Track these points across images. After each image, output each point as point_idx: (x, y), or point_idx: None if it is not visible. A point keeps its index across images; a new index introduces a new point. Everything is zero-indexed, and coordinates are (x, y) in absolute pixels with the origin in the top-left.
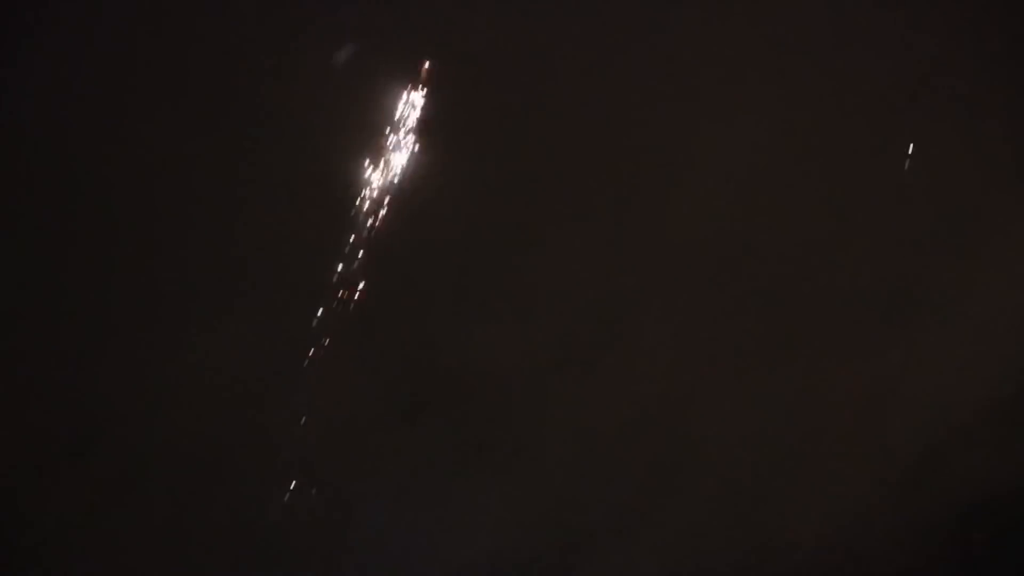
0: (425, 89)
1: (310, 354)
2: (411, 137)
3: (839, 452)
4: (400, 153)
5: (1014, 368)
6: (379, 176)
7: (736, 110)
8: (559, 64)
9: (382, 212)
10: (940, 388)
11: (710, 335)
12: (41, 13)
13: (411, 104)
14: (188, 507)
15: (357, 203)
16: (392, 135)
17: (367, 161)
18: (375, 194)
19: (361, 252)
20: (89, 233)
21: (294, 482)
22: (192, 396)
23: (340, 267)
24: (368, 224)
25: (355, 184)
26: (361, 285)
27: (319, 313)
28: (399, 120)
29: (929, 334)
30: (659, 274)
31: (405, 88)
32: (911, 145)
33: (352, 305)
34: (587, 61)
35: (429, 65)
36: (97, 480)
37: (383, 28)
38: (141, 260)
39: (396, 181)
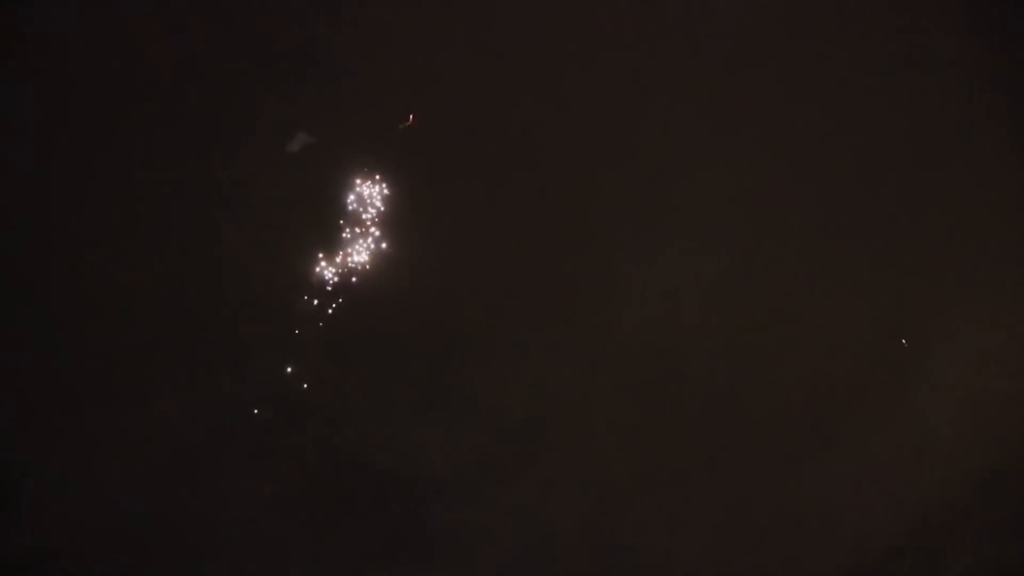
0: (383, 183)
1: (246, 442)
2: (367, 230)
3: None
4: (355, 246)
5: (935, 497)
6: (331, 269)
7: (681, 231)
8: (517, 164)
9: (332, 306)
10: (863, 511)
11: (641, 449)
12: None
13: (368, 197)
14: None
15: (306, 296)
16: (348, 227)
17: (320, 253)
18: (326, 287)
19: (306, 344)
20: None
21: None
22: (122, 473)
23: (285, 358)
24: (316, 317)
25: (307, 276)
26: (303, 380)
27: (255, 412)
28: (355, 212)
29: (854, 457)
30: (595, 387)
31: (362, 180)
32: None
33: (292, 395)
34: (543, 170)
35: (388, 157)
36: None
37: (342, 121)
38: (82, 338)
39: (349, 275)
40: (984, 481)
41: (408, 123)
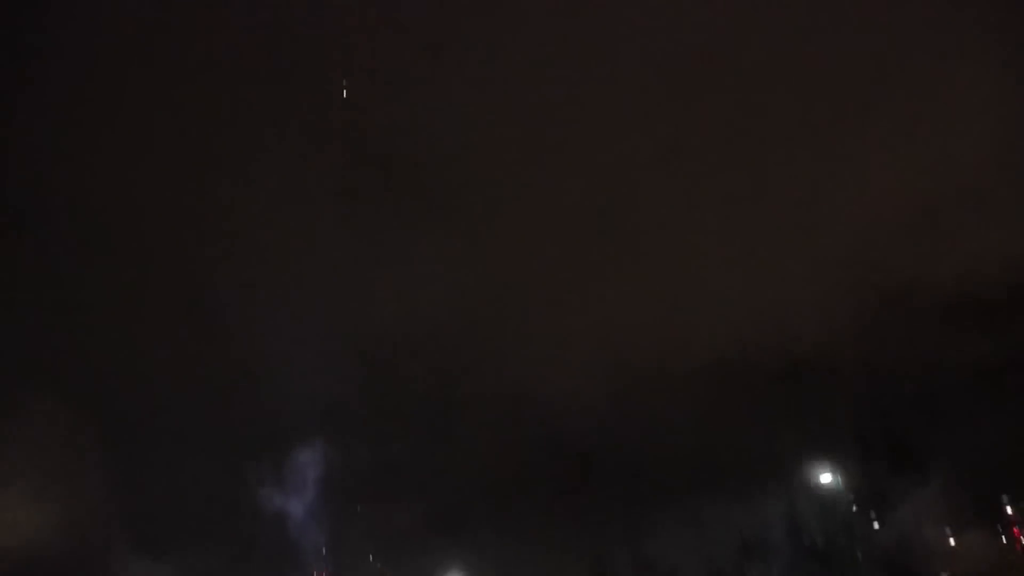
0: None
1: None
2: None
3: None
4: None
5: (945, 177)
6: None
7: None
8: None
9: None
10: (874, 190)
11: (659, 126)
12: None
13: None
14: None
15: None
16: None
17: None
18: None
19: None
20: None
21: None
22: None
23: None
24: None
25: None
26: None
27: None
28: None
29: (868, 137)
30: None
31: None
32: None
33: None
34: None
35: None
36: None
37: None
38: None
39: None
40: (993, 164)
41: None
